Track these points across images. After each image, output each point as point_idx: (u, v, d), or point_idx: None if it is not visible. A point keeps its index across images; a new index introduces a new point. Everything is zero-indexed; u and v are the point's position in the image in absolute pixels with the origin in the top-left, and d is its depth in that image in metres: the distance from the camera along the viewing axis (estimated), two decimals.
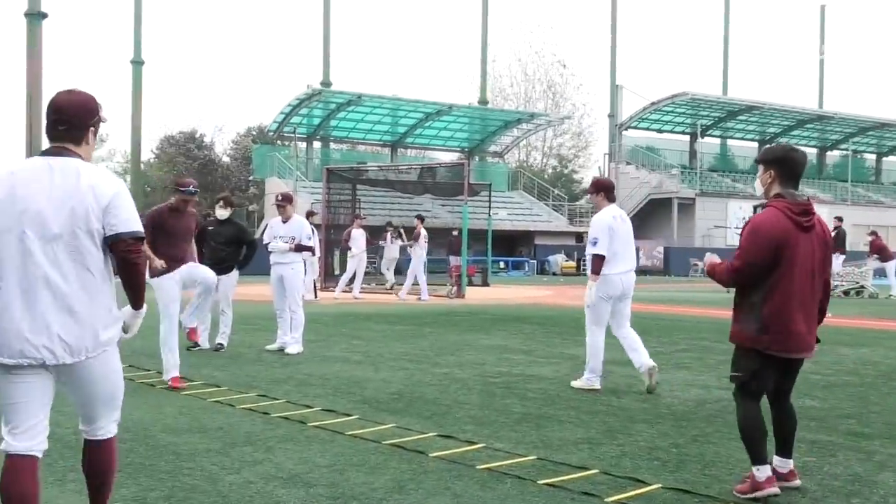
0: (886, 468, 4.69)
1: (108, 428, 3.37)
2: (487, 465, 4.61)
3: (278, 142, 46.16)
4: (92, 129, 3.23)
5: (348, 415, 5.92)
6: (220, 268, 9.26)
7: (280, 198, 9.65)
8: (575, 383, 7.26)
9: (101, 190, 3.09)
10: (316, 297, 17.68)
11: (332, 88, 43.12)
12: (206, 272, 7.88)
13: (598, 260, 6.93)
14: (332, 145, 49.03)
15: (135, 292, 3.28)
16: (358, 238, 19.04)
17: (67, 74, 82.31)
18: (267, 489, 4.15)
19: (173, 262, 7.32)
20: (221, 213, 9.61)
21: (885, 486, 4.34)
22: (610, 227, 6.97)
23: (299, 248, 9.37)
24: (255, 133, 54.06)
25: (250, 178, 49.94)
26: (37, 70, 35.33)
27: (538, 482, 4.30)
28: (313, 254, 9.64)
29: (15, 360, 3.00)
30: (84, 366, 3.11)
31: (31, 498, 3.05)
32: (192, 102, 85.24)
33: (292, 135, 42.57)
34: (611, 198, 7.26)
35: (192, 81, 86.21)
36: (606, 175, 53.02)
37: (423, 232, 19.36)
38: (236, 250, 9.61)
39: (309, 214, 20.18)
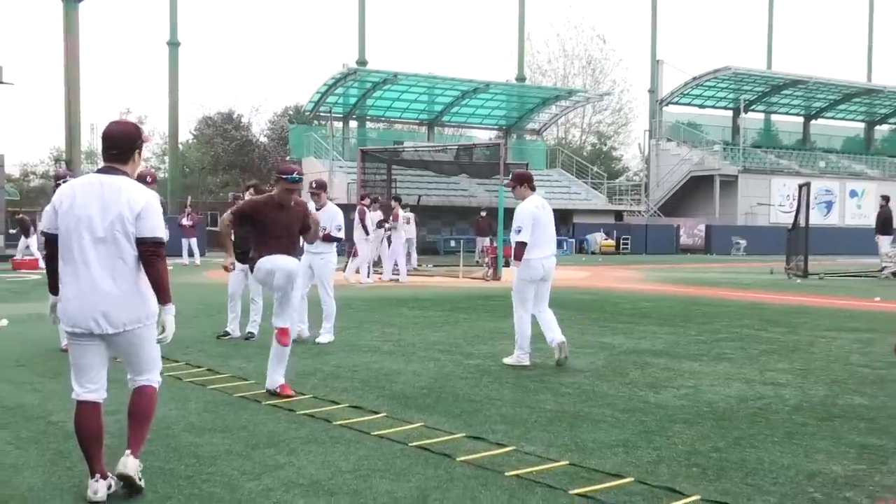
0: None
1: (149, 378, 4.17)
2: (517, 472, 4.42)
3: (315, 122, 46.11)
4: (137, 150, 4.10)
5: (375, 412, 5.76)
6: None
7: (314, 185, 9.41)
8: (507, 360, 7.82)
9: (135, 202, 3.97)
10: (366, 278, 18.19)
11: (367, 67, 42.93)
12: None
13: (521, 247, 7.56)
14: (369, 124, 48.89)
15: (157, 288, 4.02)
16: (375, 221, 18.89)
17: (105, 56, 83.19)
18: (286, 498, 4.00)
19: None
20: None
21: None
22: (533, 215, 7.59)
23: (328, 239, 9.08)
24: (291, 113, 54.08)
25: (287, 158, 50.00)
26: (74, 53, 35.71)
27: (569, 492, 4.10)
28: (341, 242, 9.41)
29: (72, 328, 3.99)
30: (124, 336, 4.01)
31: (98, 433, 4.02)
32: (230, 83, 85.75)
33: (328, 114, 42.48)
34: (532, 187, 7.89)
35: (228, 62, 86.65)
36: (647, 152, 52.36)
37: (402, 213, 19.09)
38: None
39: (374, 201, 20.05)
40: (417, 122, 49.72)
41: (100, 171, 4.08)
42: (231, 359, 7.99)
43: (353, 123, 47.26)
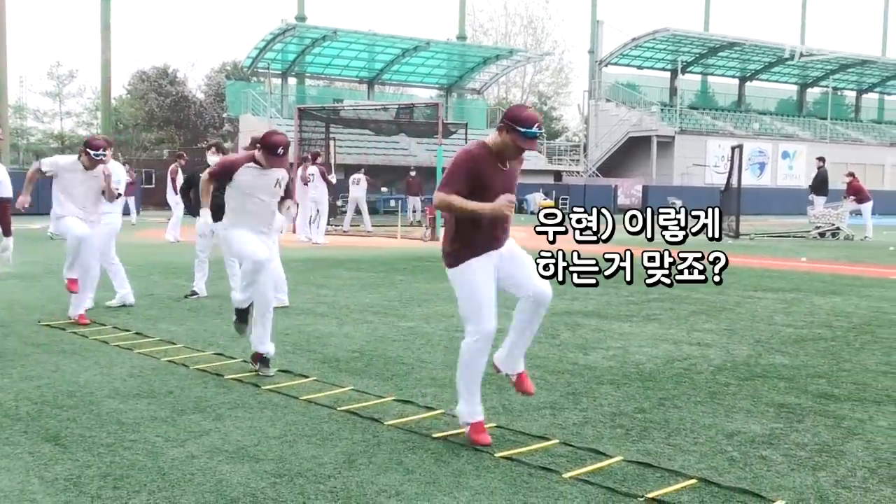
0: (855, 436, 4.55)
1: None
2: (443, 435, 4.44)
3: (253, 78, 45.19)
4: None
5: (305, 376, 5.72)
6: (220, 215, 9.21)
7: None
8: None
9: None
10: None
11: (307, 23, 42.13)
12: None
13: None
14: (308, 82, 48.08)
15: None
16: (317, 177, 18.66)
17: (34, 8, 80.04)
18: (210, 465, 3.95)
19: None
20: (214, 159, 9.35)
21: (853, 456, 4.20)
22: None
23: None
24: (229, 69, 52.94)
25: (224, 115, 49.00)
26: (0, 5, 34.35)
27: (495, 455, 4.13)
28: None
29: None
30: None
31: None
32: (164, 38, 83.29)
33: (267, 71, 41.67)
34: None
35: (163, 16, 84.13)
36: (586, 112, 52.57)
37: (311, 171, 18.69)
38: None
39: (314, 157, 19.74)
40: (357, 80, 49.10)
41: None
42: (160, 322, 7.85)
43: (291, 80, 46.44)
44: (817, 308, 9.17)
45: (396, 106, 27.43)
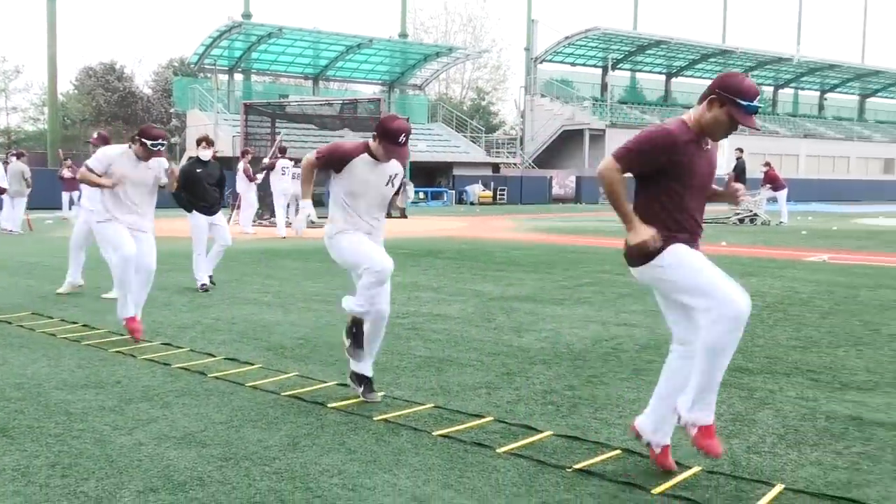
0: (766, 405, 4.71)
1: None
2: (384, 416, 4.46)
3: (200, 74, 44.39)
4: None
5: (251, 364, 5.68)
6: (214, 209, 9.32)
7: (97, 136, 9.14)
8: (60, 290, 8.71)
9: None
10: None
11: (252, 21, 41.48)
12: None
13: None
14: (254, 78, 47.41)
15: None
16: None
17: None
18: (158, 451, 3.91)
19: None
20: (205, 153, 9.29)
21: (763, 424, 4.35)
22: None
23: None
24: (176, 65, 51.90)
25: (172, 110, 48.08)
26: None
27: (433, 433, 4.17)
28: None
29: None
30: None
31: None
32: (111, 34, 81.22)
33: (213, 67, 40.96)
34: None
35: (109, 12, 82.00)
36: (523, 107, 52.81)
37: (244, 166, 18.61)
38: (220, 190, 9.52)
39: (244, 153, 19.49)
40: (303, 76, 48.56)
41: None
42: (108, 314, 7.69)
43: (238, 76, 45.71)
44: None
45: (340, 101, 27.19)
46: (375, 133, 4.58)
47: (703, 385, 3.44)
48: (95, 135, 9.18)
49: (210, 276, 9.44)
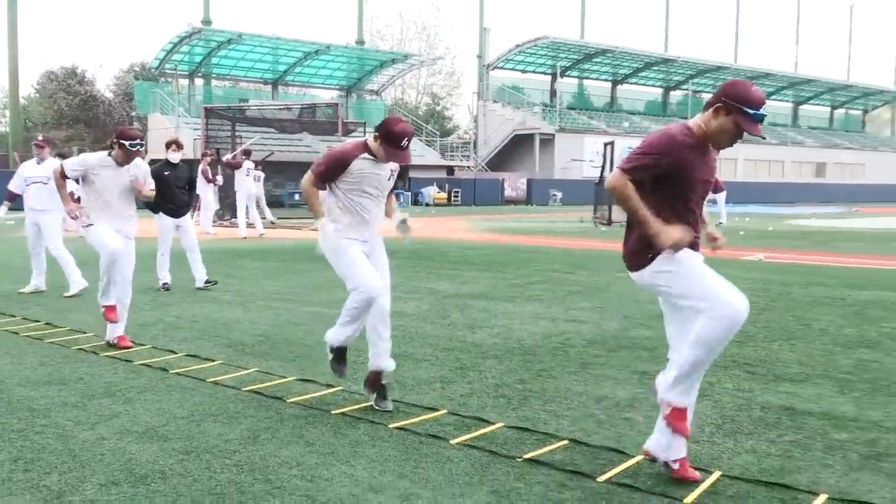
0: (705, 397, 4.79)
1: None
2: (342, 410, 4.46)
3: (161, 79, 43.70)
4: None
5: (212, 360, 5.63)
6: (182, 211, 9.19)
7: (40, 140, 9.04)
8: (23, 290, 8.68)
9: None
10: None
11: (212, 27, 41.05)
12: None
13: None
14: (215, 82, 46.84)
15: None
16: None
17: None
18: (120, 445, 3.85)
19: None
20: (175, 156, 9.09)
21: (702, 415, 4.42)
22: None
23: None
24: (137, 70, 51.02)
25: (133, 113, 47.23)
26: None
27: (389, 426, 4.18)
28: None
29: None
30: None
31: None
32: (73, 38, 79.52)
33: (174, 72, 40.35)
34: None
35: (71, 17, 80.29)
36: (475, 112, 52.98)
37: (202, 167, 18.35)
38: (190, 192, 9.39)
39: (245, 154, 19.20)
40: (262, 81, 48.16)
41: None
42: (71, 312, 7.56)
43: (198, 81, 45.17)
44: None
45: (299, 106, 27.06)
46: (377, 134, 4.42)
47: (686, 372, 3.44)
48: (41, 137, 9.04)
49: (209, 277, 9.36)
